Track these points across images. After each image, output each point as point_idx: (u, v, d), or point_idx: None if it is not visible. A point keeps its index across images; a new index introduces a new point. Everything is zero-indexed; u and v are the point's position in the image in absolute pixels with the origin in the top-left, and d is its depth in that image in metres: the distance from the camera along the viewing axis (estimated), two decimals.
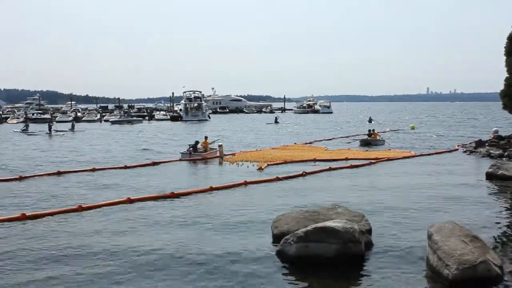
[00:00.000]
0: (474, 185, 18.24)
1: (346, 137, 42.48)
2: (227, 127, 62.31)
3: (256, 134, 49.04)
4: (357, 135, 43.16)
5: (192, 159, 26.22)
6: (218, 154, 27.50)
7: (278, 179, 19.64)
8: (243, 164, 24.16)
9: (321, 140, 38.80)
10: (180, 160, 26.24)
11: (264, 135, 47.37)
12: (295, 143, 35.94)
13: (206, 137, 29.37)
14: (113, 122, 72.48)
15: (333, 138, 40.87)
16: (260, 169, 21.76)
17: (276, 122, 70.82)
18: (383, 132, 46.81)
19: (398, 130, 52.92)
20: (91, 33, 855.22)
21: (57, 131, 51.80)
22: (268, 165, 23.04)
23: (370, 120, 70.55)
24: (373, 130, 37.70)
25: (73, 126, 55.28)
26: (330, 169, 22.02)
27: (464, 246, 8.64)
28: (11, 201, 15.85)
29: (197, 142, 28.01)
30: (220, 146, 27.74)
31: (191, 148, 27.19)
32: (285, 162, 24.31)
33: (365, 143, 34.56)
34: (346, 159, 25.34)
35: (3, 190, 17.85)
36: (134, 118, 79.25)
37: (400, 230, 11.85)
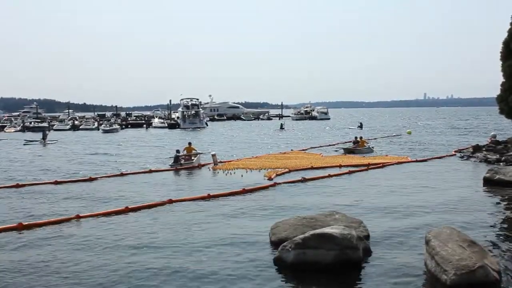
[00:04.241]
0: (472, 190, 18.23)
1: (336, 144, 40.99)
2: (224, 134, 62.47)
3: (254, 140, 49.05)
4: (345, 142, 41.23)
5: (181, 168, 26.01)
6: (199, 162, 27.60)
7: (275, 184, 19.63)
8: (234, 173, 23.83)
9: (317, 147, 38.72)
10: (176, 169, 25.92)
11: (262, 142, 47.36)
12: (291, 150, 35.92)
13: (190, 143, 29.26)
14: (105, 131, 73.18)
15: (330, 145, 40.53)
16: (270, 178, 21.28)
17: (281, 128, 71.72)
18: (374, 138, 46.07)
19: (395, 135, 52.93)
20: (88, 41, 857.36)
21: (27, 140, 51.28)
22: (277, 175, 22.36)
23: (360, 126, 70.64)
24: (361, 138, 35.79)
25: (44, 136, 52.82)
26: (329, 176, 22.00)
27: (462, 251, 8.64)
28: None
29: (178, 151, 27.62)
30: (213, 155, 27.43)
31: (177, 154, 27.02)
32: (290, 171, 23.88)
33: (349, 152, 32.82)
34: (340, 166, 25.32)
35: None
36: (118, 127, 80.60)
37: (398, 236, 11.83)
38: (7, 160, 32.74)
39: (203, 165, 27.00)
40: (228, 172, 24.04)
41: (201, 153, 29.22)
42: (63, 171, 26.13)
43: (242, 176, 22.82)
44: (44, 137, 52.20)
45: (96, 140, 53.69)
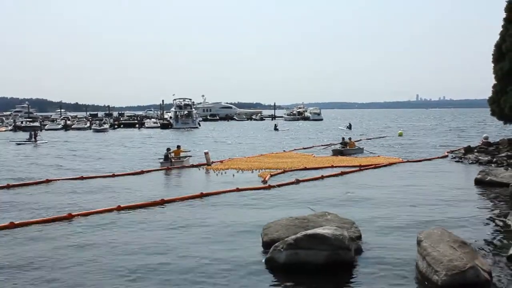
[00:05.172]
0: (463, 191, 18.31)
1: (328, 144, 39.96)
2: (217, 134, 62.41)
3: (247, 141, 49.02)
4: (330, 144, 40.11)
5: (171, 168, 25.96)
6: (188, 162, 27.63)
7: (270, 186, 19.64)
8: (226, 173, 23.87)
9: (309, 147, 38.71)
10: (168, 168, 25.91)
11: (255, 142, 47.32)
12: (284, 150, 35.91)
13: (178, 146, 29.16)
14: (95, 131, 73.60)
15: (322, 145, 40.33)
16: (264, 180, 21.06)
17: (275, 129, 71.38)
18: (358, 140, 44.23)
19: (386, 136, 52.90)
20: (80, 41, 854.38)
21: (13, 141, 50.65)
22: (271, 175, 22.12)
23: (349, 127, 70.68)
24: (349, 139, 35.23)
25: (31, 136, 51.57)
26: (322, 177, 22.00)
27: (453, 252, 8.68)
28: None
29: (168, 149, 27.73)
30: (206, 153, 27.45)
31: (168, 153, 27.10)
32: (284, 172, 23.75)
33: (338, 153, 32.12)
34: (332, 166, 25.38)
35: None
36: (108, 126, 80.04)
37: (390, 237, 11.88)
38: None
39: (195, 166, 26.96)
40: (220, 173, 24.01)
41: (190, 156, 29.18)
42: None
43: (233, 176, 22.83)
44: (32, 137, 51.20)
45: (85, 141, 52.85)
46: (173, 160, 26.80)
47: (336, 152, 32.56)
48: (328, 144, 39.75)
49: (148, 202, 16.30)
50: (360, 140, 45.89)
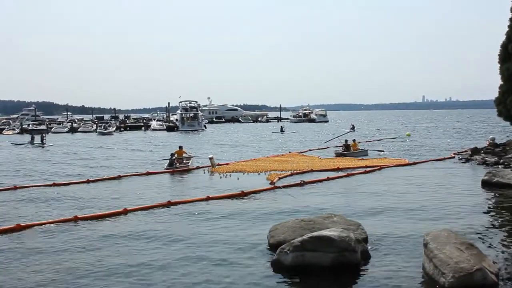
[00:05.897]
0: (470, 193, 18.22)
1: (330, 145, 39.98)
2: (223, 137, 62.45)
3: (252, 143, 49.04)
4: (332, 139, 40.81)
5: (176, 171, 25.99)
6: (193, 165, 27.70)
7: (275, 187, 19.61)
8: (231, 175, 23.80)
9: (315, 149, 38.64)
10: (173, 171, 25.97)
11: (261, 144, 47.32)
12: (289, 152, 35.88)
13: (180, 147, 29.10)
14: (100, 133, 73.99)
15: (328, 147, 40.14)
16: (272, 183, 20.91)
17: (281, 131, 71.36)
18: (359, 142, 44.03)
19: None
20: (86, 44, 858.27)
21: (15, 143, 50.87)
22: (279, 178, 22.07)
23: (353, 128, 70.46)
24: (354, 141, 34.36)
25: (32, 139, 51.82)
26: (328, 178, 21.96)
27: (460, 254, 8.63)
28: None
29: (172, 155, 27.67)
30: (211, 158, 27.35)
31: (172, 157, 27.14)
32: (292, 174, 23.61)
33: (340, 155, 31.76)
34: (338, 168, 25.29)
35: None
36: (113, 129, 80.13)
37: (396, 238, 11.81)
38: None
39: (200, 167, 26.97)
40: (225, 175, 23.96)
41: (193, 156, 29.20)
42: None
43: (238, 179, 22.72)
44: (33, 140, 51.17)
45: (90, 143, 52.83)
46: (178, 165, 26.77)
47: (338, 155, 32.16)
48: (329, 140, 39.53)
49: (154, 204, 16.35)
50: (360, 142, 45.57)
